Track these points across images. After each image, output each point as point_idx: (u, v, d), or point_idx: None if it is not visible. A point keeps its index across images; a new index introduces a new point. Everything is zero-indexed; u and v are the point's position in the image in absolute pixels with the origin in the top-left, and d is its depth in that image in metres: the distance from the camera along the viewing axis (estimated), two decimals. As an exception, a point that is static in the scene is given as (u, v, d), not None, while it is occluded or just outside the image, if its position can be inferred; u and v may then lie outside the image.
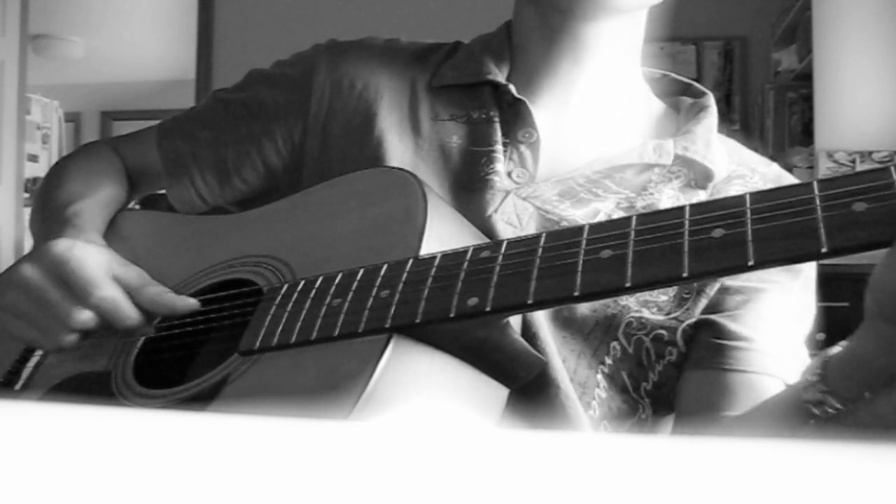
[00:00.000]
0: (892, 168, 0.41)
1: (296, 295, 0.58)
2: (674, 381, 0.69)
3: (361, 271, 0.56)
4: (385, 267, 0.55)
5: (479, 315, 0.49)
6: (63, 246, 0.66)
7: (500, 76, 0.74)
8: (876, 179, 0.41)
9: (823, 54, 2.51)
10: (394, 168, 0.66)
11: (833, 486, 0.20)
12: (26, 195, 3.71)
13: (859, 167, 2.44)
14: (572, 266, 0.48)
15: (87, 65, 5.44)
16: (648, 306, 0.67)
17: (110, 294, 0.64)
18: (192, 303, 0.66)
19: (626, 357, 0.67)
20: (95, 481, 0.21)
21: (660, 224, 0.47)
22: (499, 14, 0.83)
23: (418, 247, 0.55)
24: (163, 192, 0.86)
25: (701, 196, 0.71)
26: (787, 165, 2.56)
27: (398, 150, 0.73)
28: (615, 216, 0.68)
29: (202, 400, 0.58)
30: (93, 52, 5.34)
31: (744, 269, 0.43)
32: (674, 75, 0.83)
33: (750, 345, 0.67)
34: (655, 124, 0.78)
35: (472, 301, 0.49)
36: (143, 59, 5.30)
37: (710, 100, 0.77)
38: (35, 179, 4.39)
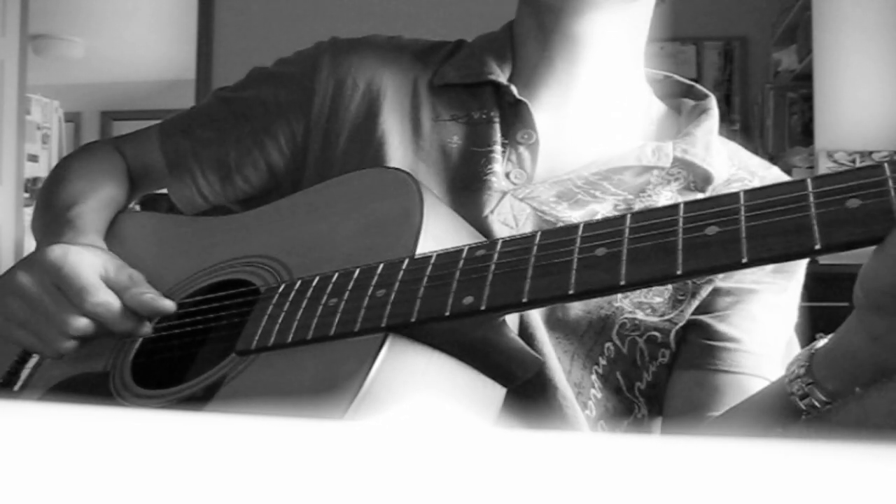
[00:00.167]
0: (886, 165, 0.41)
1: (292, 295, 0.58)
2: (667, 382, 0.69)
3: (358, 271, 0.56)
4: (381, 266, 0.55)
5: (474, 314, 0.49)
6: (57, 252, 0.66)
7: (501, 77, 0.74)
8: (869, 176, 0.41)
9: (823, 54, 2.51)
10: (391, 168, 0.66)
11: (829, 487, 0.20)
12: (26, 195, 3.72)
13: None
14: (567, 264, 0.48)
15: (87, 65, 5.44)
16: (642, 308, 0.67)
17: (104, 300, 0.64)
18: (169, 304, 0.66)
19: (621, 357, 0.67)
20: (94, 481, 0.21)
21: (654, 222, 0.47)
22: (502, 13, 0.83)
23: (414, 246, 0.55)
24: (163, 192, 0.86)
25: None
26: (787, 166, 2.56)
27: (399, 150, 0.73)
28: (608, 216, 0.68)
29: (199, 400, 0.58)
30: (93, 52, 5.34)
31: (738, 266, 0.43)
32: (676, 77, 0.83)
33: (739, 346, 0.67)
34: (656, 126, 0.77)
35: (468, 300, 0.49)
36: (143, 59, 5.30)
37: (712, 102, 0.77)
38: (35, 179, 4.39)
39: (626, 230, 0.47)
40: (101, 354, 0.68)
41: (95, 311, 0.64)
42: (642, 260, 0.46)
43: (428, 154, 0.73)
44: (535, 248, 0.50)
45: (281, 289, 0.59)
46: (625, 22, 0.73)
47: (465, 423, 0.54)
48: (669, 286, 0.68)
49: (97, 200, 0.79)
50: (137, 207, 1.05)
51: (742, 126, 3.06)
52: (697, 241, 0.44)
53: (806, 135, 2.75)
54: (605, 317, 0.67)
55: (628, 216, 0.48)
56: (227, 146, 0.81)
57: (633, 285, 0.46)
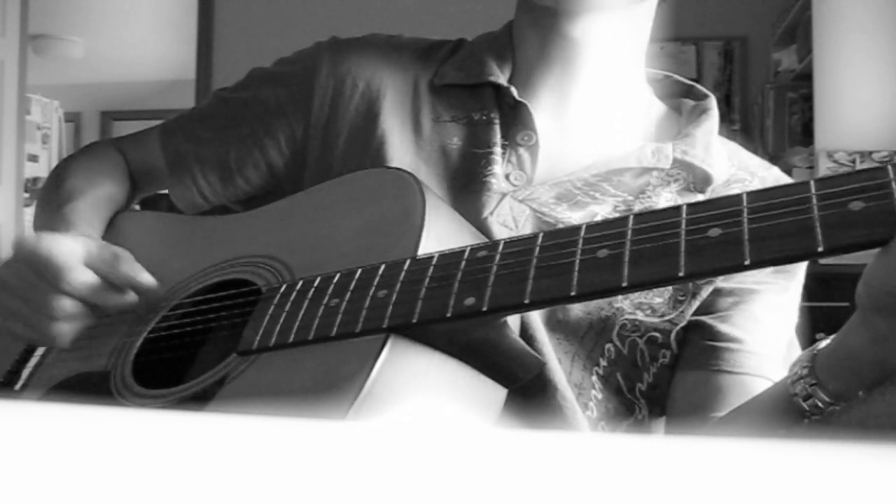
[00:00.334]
0: (889, 167, 0.41)
1: (294, 295, 0.58)
2: (668, 383, 0.69)
3: (359, 271, 0.56)
4: (383, 267, 0.55)
5: (475, 315, 0.49)
6: (31, 240, 0.66)
7: (501, 78, 0.74)
8: (872, 178, 0.41)
9: (823, 54, 2.51)
10: (392, 168, 0.66)
11: (829, 487, 0.20)
12: (26, 195, 3.72)
13: (859, 167, 2.44)
14: (569, 266, 0.48)
15: (87, 65, 5.44)
16: (643, 308, 0.67)
17: (81, 277, 0.64)
18: (148, 279, 0.66)
19: (621, 359, 0.67)
20: (95, 481, 0.21)
21: (656, 223, 0.47)
22: (503, 11, 0.83)
23: (416, 247, 0.55)
24: (164, 192, 0.86)
25: (699, 200, 0.71)
26: (787, 166, 2.56)
27: (399, 150, 0.73)
28: (610, 218, 0.68)
29: (200, 400, 0.58)
30: (93, 52, 5.34)
31: (740, 268, 0.43)
32: (676, 77, 0.82)
33: (741, 346, 0.67)
34: (656, 127, 0.77)
35: (469, 301, 0.49)
36: (143, 59, 5.30)
37: (712, 102, 0.77)
38: (35, 179, 4.39)
39: (629, 232, 0.47)
40: (102, 354, 0.68)
41: (73, 288, 0.64)
42: (644, 262, 0.46)
43: (428, 155, 0.73)
44: (537, 249, 0.50)
45: (282, 289, 0.59)
46: (624, 23, 0.73)
47: (466, 423, 0.54)
48: (669, 287, 0.68)
49: (94, 197, 0.79)
50: (137, 207, 1.05)
51: (742, 126, 3.06)
52: (700, 243, 0.44)
53: (806, 135, 2.75)
54: (605, 318, 0.66)
55: (630, 218, 0.48)
56: (227, 147, 0.81)
57: (635, 287, 0.46)
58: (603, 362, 0.67)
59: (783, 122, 2.85)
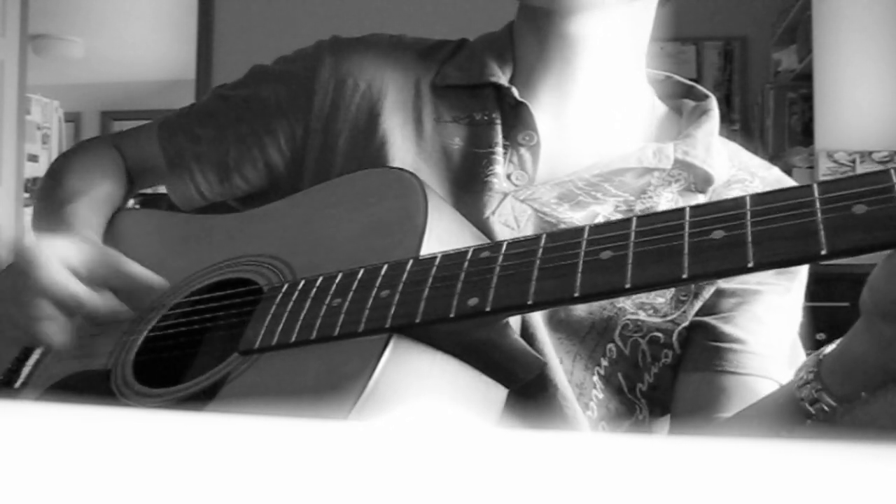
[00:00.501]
0: (893, 171, 0.41)
1: (296, 294, 0.58)
2: (669, 383, 0.69)
3: (362, 271, 0.56)
4: (385, 267, 0.55)
5: (479, 315, 0.49)
6: (21, 245, 0.66)
7: (502, 78, 0.74)
8: (876, 182, 0.41)
9: (823, 54, 2.51)
10: (395, 168, 0.66)
11: (831, 486, 0.20)
12: (26, 195, 3.72)
13: (859, 167, 2.44)
14: (572, 267, 0.48)
15: (87, 65, 5.44)
16: (645, 308, 0.67)
17: (51, 277, 0.64)
18: (158, 279, 0.66)
19: (622, 359, 0.67)
20: (95, 481, 0.21)
21: (660, 225, 0.47)
22: (504, 10, 0.83)
23: (419, 247, 0.55)
24: (164, 191, 0.86)
25: (700, 200, 0.71)
26: (787, 166, 2.57)
27: (401, 150, 0.73)
28: (613, 219, 0.68)
29: (201, 399, 0.58)
30: (93, 52, 5.34)
31: (744, 270, 0.43)
32: (677, 77, 0.82)
33: (744, 347, 0.67)
34: (657, 127, 0.77)
35: (473, 301, 0.49)
36: (143, 59, 5.30)
37: (713, 103, 0.77)
38: (35, 179, 4.39)
39: (632, 233, 0.47)
40: (103, 352, 0.68)
41: (45, 287, 0.63)
42: (648, 263, 0.46)
43: (429, 155, 0.73)
44: (541, 250, 0.50)
45: (284, 288, 0.59)
46: (624, 22, 0.73)
47: (468, 423, 0.54)
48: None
49: (93, 198, 0.79)
50: (137, 206, 1.05)
51: (742, 126, 3.06)
52: (703, 245, 0.44)
53: (806, 135, 2.75)
54: (607, 318, 0.67)
55: (634, 219, 0.48)
56: (226, 144, 0.81)
57: (638, 288, 0.46)
58: (604, 362, 0.67)
59: (783, 122, 2.85)
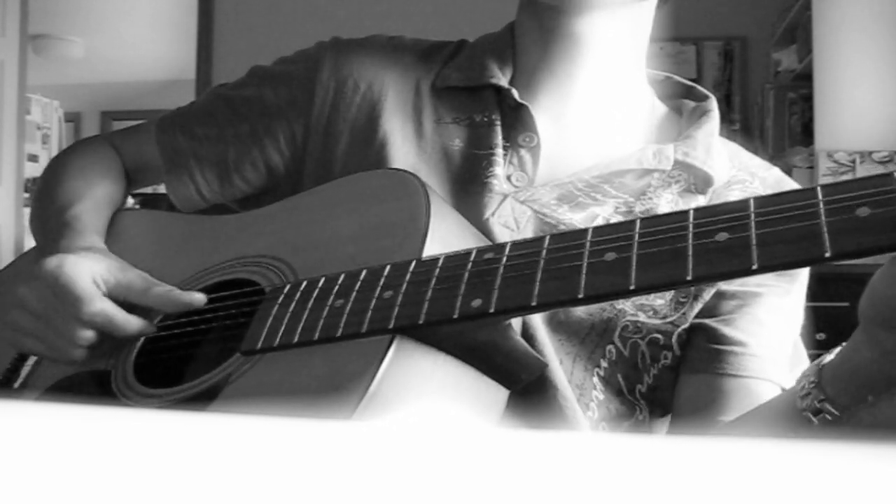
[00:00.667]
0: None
1: (298, 295, 0.58)
2: (669, 384, 0.69)
3: (364, 272, 0.56)
4: (388, 268, 0.55)
5: (482, 317, 0.49)
6: (54, 263, 0.66)
7: (502, 80, 0.74)
8: (880, 185, 0.42)
9: (823, 54, 2.51)
10: (397, 170, 0.66)
11: (833, 487, 0.20)
12: (26, 195, 3.71)
13: (859, 167, 2.44)
14: (576, 268, 0.48)
15: (87, 65, 5.44)
16: (644, 310, 0.67)
17: (100, 308, 0.65)
18: (200, 297, 0.66)
19: (622, 360, 0.67)
20: (95, 481, 0.21)
21: (664, 227, 0.47)
22: (504, 11, 0.83)
23: (421, 248, 0.55)
24: (164, 191, 0.86)
25: (700, 201, 0.71)
26: (787, 165, 2.56)
27: (401, 151, 0.73)
28: (613, 221, 0.68)
29: (203, 399, 0.58)
30: (93, 52, 5.34)
31: (748, 272, 0.43)
32: (677, 78, 0.82)
33: (745, 349, 0.67)
34: (657, 128, 0.77)
35: (476, 303, 0.49)
36: (143, 59, 5.30)
37: (713, 104, 0.77)
38: (35, 179, 4.39)
39: (636, 235, 0.47)
40: (103, 353, 0.68)
41: (94, 320, 0.64)
42: (652, 265, 0.46)
43: (429, 156, 0.73)
44: (545, 251, 0.50)
45: (286, 289, 0.59)
46: (626, 23, 0.73)
47: (470, 424, 0.54)
48: None
49: (94, 200, 0.79)
50: (137, 206, 1.04)
51: (742, 126, 3.06)
52: (708, 247, 0.44)
53: (806, 135, 2.75)
54: (607, 319, 0.67)
55: (638, 221, 0.48)
56: (226, 145, 0.80)
57: (642, 290, 0.46)
58: (604, 363, 0.67)
59: (783, 122, 2.85)
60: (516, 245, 0.52)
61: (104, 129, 5.76)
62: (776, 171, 0.77)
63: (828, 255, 0.41)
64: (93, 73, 5.53)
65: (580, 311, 0.66)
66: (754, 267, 0.42)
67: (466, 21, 1.48)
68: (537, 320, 0.65)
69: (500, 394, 0.57)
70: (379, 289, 0.53)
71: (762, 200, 0.45)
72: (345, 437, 0.25)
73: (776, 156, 2.73)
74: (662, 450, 0.23)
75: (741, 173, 0.75)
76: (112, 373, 0.66)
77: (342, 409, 0.48)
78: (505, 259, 0.51)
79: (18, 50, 3.44)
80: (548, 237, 0.51)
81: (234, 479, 0.21)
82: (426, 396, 0.52)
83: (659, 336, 0.68)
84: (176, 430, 0.26)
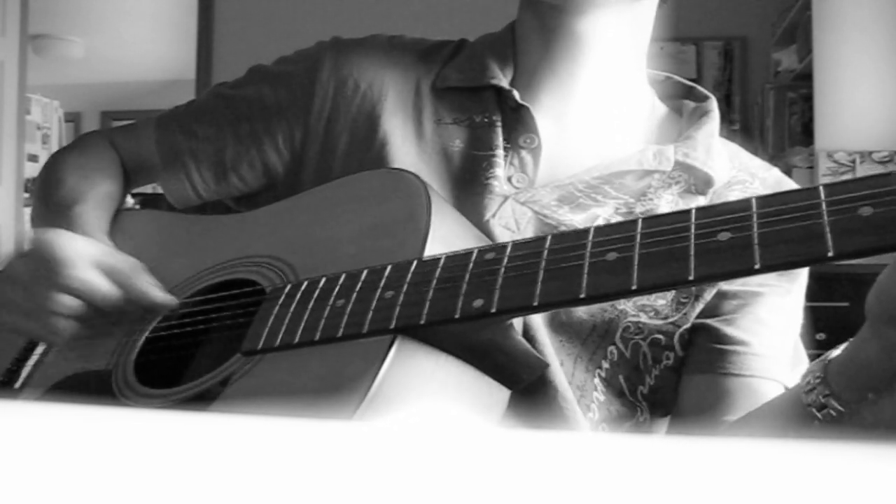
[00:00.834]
0: None
1: (299, 295, 0.58)
2: (670, 385, 0.69)
3: (365, 272, 0.56)
4: (389, 268, 0.55)
5: (484, 317, 0.49)
6: (48, 235, 0.66)
7: (503, 80, 0.74)
8: (882, 184, 0.42)
9: (823, 54, 2.51)
10: (398, 169, 0.66)
11: (833, 486, 0.20)
12: (26, 195, 3.71)
13: (859, 167, 2.44)
14: (578, 268, 0.48)
15: (87, 65, 5.44)
16: (646, 311, 0.67)
17: (81, 273, 0.64)
18: (171, 300, 0.66)
19: (623, 361, 0.67)
20: (96, 481, 0.21)
21: (665, 227, 0.47)
22: (504, 11, 0.83)
23: (422, 248, 0.55)
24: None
25: (700, 202, 0.71)
26: (787, 165, 2.56)
27: (401, 152, 0.73)
28: (619, 221, 0.68)
29: (204, 400, 0.58)
30: (93, 52, 5.34)
31: (750, 272, 0.43)
32: (677, 78, 0.82)
33: (747, 349, 0.67)
34: (658, 128, 0.77)
35: (478, 303, 0.49)
36: (143, 59, 5.30)
37: (713, 104, 0.77)
38: (35, 179, 4.39)
39: (638, 235, 0.47)
40: (104, 353, 0.68)
41: (75, 285, 0.64)
42: (654, 265, 0.46)
43: (430, 157, 0.73)
44: (546, 251, 0.50)
45: (287, 289, 0.59)
46: (627, 22, 0.73)
47: (471, 424, 0.54)
48: None
49: (96, 198, 0.79)
50: (138, 206, 1.04)
51: (742, 126, 3.06)
52: (709, 247, 0.44)
53: (806, 135, 2.75)
54: (608, 320, 0.66)
55: (640, 221, 0.48)
56: (224, 144, 0.80)
57: (644, 290, 0.46)
58: (605, 364, 0.67)
59: (783, 122, 2.85)
60: (518, 245, 0.52)
61: (104, 129, 5.76)
62: (776, 172, 0.77)
63: (830, 254, 0.41)
64: (93, 73, 5.53)
65: (581, 312, 0.66)
66: (756, 266, 0.42)
67: (466, 21, 1.48)
68: (538, 321, 0.65)
69: (501, 394, 0.57)
70: (380, 289, 0.53)
71: (764, 200, 0.45)
72: (346, 437, 0.25)
73: (776, 156, 2.73)
74: (662, 450, 0.23)
75: (741, 174, 0.75)
76: (112, 373, 0.66)
77: (343, 409, 0.48)
78: (506, 259, 0.51)
79: (18, 50, 3.45)
80: (549, 237, 0.51)
81: (235, 479, 0.21)
82: (427, 396, 0.52)
83: (660, 337, 0.68)
84: (176, 430, 0.26)
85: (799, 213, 0.43)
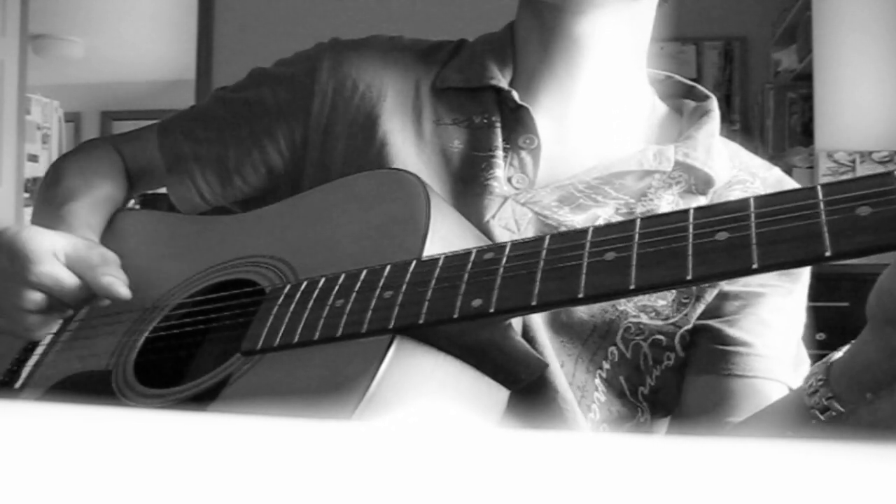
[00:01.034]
0: None
1: (298, 295, 0.58)
2: (671, 386, 0.69)
3: (364, 272, 0.56)
4: (388, 268, 0.55)
5: (482, 316, 0.49)
6: (13, 230, 0.66)
7: (502, 81, 0.74)
8: (880, 184, 0.41)
9: (823, 54, 2.51)
10: (397, 170, 0.66)
11: (833, 486, 0.20)
12: (26, 195, 3.72)
13: (859, 167, 2.44)
14: (576, 268, 0.48)
15: (87, 65, 5.44)
16: (647, 311, 0.67)
17: (48, 269, 0.64)
18: (124, 292, 0.66)
19: (624, 362, 0.67)
20: (96, 481, 0.21)
21: (664, 227, 0.47)
22: (504, 11, 0.83)
23: (421, 248, 0.55)
24: (164, 192, 0.86)
25: (701, 202, 0.71)
26: (787, 165, 2.57)
27: (401, 152, 0.73)
28: (617, 221, 0.68)
29: (203, 399, 0.58)
30: (93, 52, 5.34)
31: (748, 272, 0.43)
32: (677, 77, 0.82)
33: (750, 349, 0.67)
34: (658, 128, 0.77)
35: (476, 302, 0.49)
36: (143, 59, 5.30)
37: (713, 104, 0.77)
38: (35, 179, 4.39)
39: (636, 235, 0.47)
40: (104, 352, 0.68)
41: (40, 280, 0.64)
42: (652, 264, 0.46)
43: (429, 157, 0.73)
44: (545, 251, 0.50)
45: (286, 289, 0.59)
46: (626, 22, 0.73)
47: (471, 424, 0.54)
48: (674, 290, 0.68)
49: (92, 198, 0.79)
50: (137, 206, 1.04)
51: (742, 126, 3.06)
52: (707, 247, 0.44)
53: (806, 135, 2.75)
54: (609, 321, 0.66)
55: (638, 221, 0.48)
56: (226, 147, 0.81)
57: (642, 290, 0.46)
58: (606, 365, 0.67)
59: (783, 122, 2.85)
60: (516, 245, 0.52)
61: (104, 129, 5.76)
62: (777, 171, 0.77)
63: (828, 254, 0.41)
64: (93, 73, 5.53)
65: (582, 313, 0.66)
66: (754, 266, 0.42)
67: (466, 21, 1.48)
68: (538, 322, 0.65)
69: (500, 394, 0.57)
70: (379, 289, 0.53)
71: (762, 200, 0.45)
72: (345, 437, 0.25)
73: (776, 156, 2.73)
74: (663, 450, 0.23)
75: (742, 173, 0.75)
76: (112, 372, 0.66)
77: (342, 409, 0.48)
78: (505, 259, 0.51)
79: (18, 50, 3.45)
80: (548, 237, 0.51)
81: (235, 479, 0.21)
82: (426, 396, 0.52)
83: (661, 337, 0.68)
84: (176, 430, 0.26)
85: (797, 213, 0.43)
